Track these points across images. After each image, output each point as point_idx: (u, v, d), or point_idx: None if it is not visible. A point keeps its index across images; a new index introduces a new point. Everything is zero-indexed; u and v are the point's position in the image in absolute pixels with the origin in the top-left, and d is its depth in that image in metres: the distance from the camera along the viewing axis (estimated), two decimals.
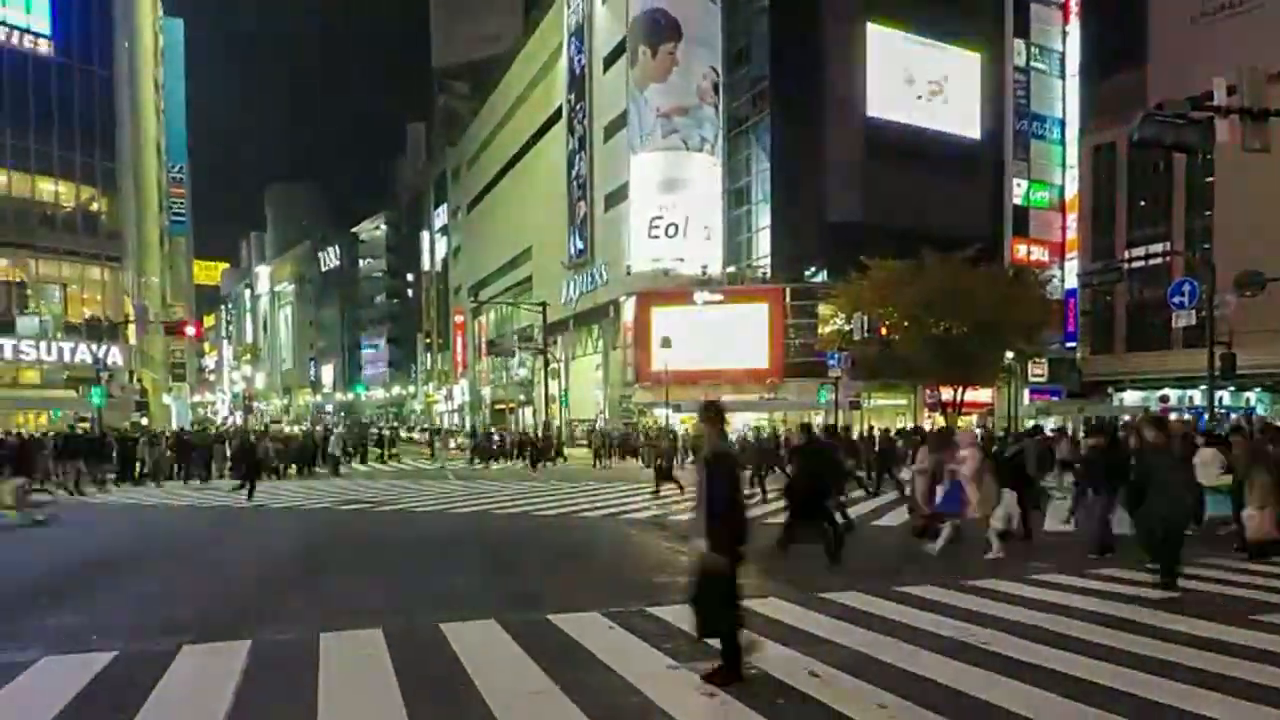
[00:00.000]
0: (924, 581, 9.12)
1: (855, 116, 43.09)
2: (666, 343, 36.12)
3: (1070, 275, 48.41)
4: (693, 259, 43.98)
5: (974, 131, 47.37)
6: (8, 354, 40.99)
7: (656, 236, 43.95)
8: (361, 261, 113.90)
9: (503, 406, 66.75)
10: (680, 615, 7.59)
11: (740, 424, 40.99)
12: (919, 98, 45.32)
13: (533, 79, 61.06)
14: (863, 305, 34.73)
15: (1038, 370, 43.30)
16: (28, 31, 41.82)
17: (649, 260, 43.92)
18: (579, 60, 51.46)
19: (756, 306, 42.18)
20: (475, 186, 75.72)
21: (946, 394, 36.87)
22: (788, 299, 42.10)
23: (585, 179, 50.92)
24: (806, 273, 42.86)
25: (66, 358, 41.91)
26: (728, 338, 41.38)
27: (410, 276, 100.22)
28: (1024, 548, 11.35)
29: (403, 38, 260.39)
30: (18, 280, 42.58)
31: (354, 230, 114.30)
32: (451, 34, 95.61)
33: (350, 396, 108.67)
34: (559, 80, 54.93)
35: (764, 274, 43.66)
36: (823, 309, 40.48)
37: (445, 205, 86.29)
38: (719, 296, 42.46)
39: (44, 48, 42.31)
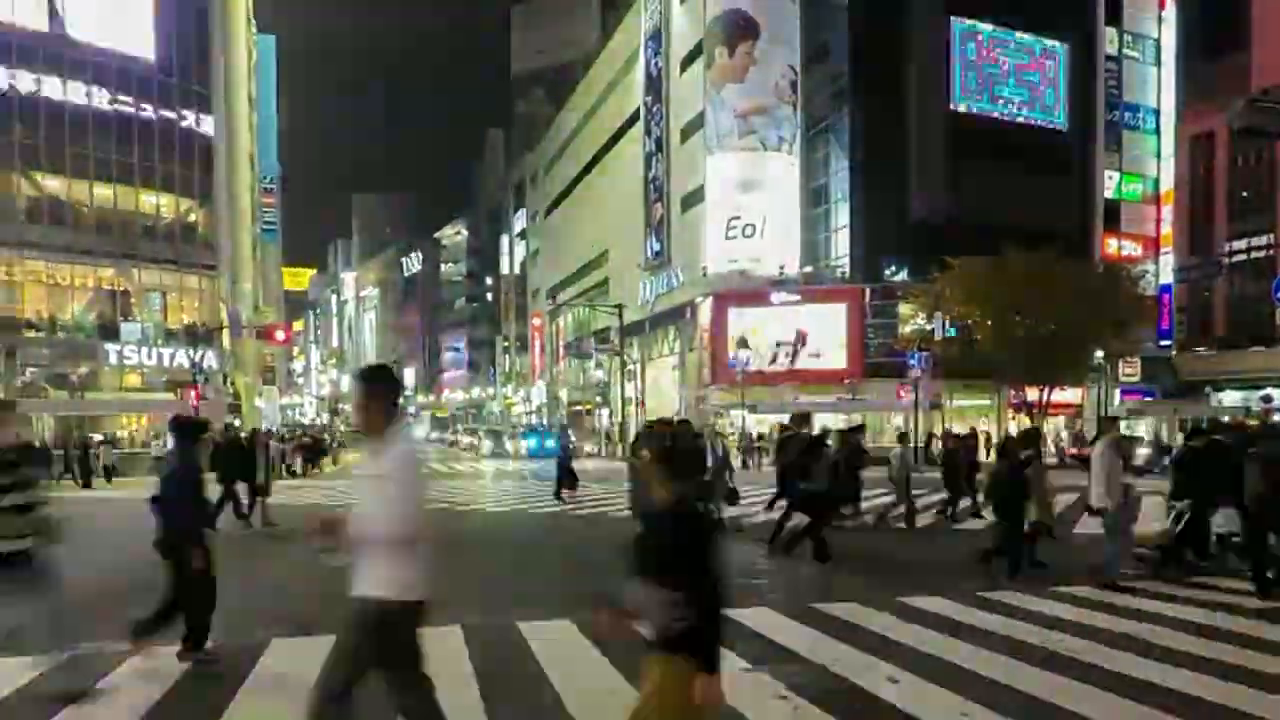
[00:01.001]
0: (1007, 587, 8.88)
1: (938, 111, 42.18)
2: (744, 343, 35.90)
3: (1165, 270, 46.42)
4: (770, 259, 43.65)
5: (1061, 123, 45.89)
6: (113, 359, 43.10)
7: (733, 237, 43.77)
8: (442, 266, 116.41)
9: (579, 408, 67.30)
10: (755, 618, 7.57)
11: (819, 425, 40.58)
12: (1004, 89, 44.14)
13: (610, 83, 61.48)
14: (944, 304, 33.91)
15: (1129, 370, 41.52)
16: (133, 54, 43.94)
17: (726, 261, 43.77)
18: (655, 63, 51.64)
19: (835, 306, 41.62)
20: (553, 191, 76.61)
21: (1032, 394, 35.74)
22: (867, 298, 41.44)
23: (662, 181, 51.04)
24: (886, 271, 42.11)
25: (166, 362, 43.87)
26: (807, 338, 40.92)
27: (489, 280, 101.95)
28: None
29: (483, 48, 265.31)
30: (122, 289, 44.76)
31: (435, 236, 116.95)
32: (530, 42, 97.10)
33: (431, 398, 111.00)
34: (635, 83, 55.22)
35: (842, 273, 43.06)
36: (903, 308, 39.70)
37: (524, 210, 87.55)
38: (796, 296, 42.04)
39: (147, 69, 44.39)
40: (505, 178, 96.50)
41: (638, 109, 54.77)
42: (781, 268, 43.53)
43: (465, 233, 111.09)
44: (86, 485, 27.67)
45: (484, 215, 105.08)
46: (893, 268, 42.06)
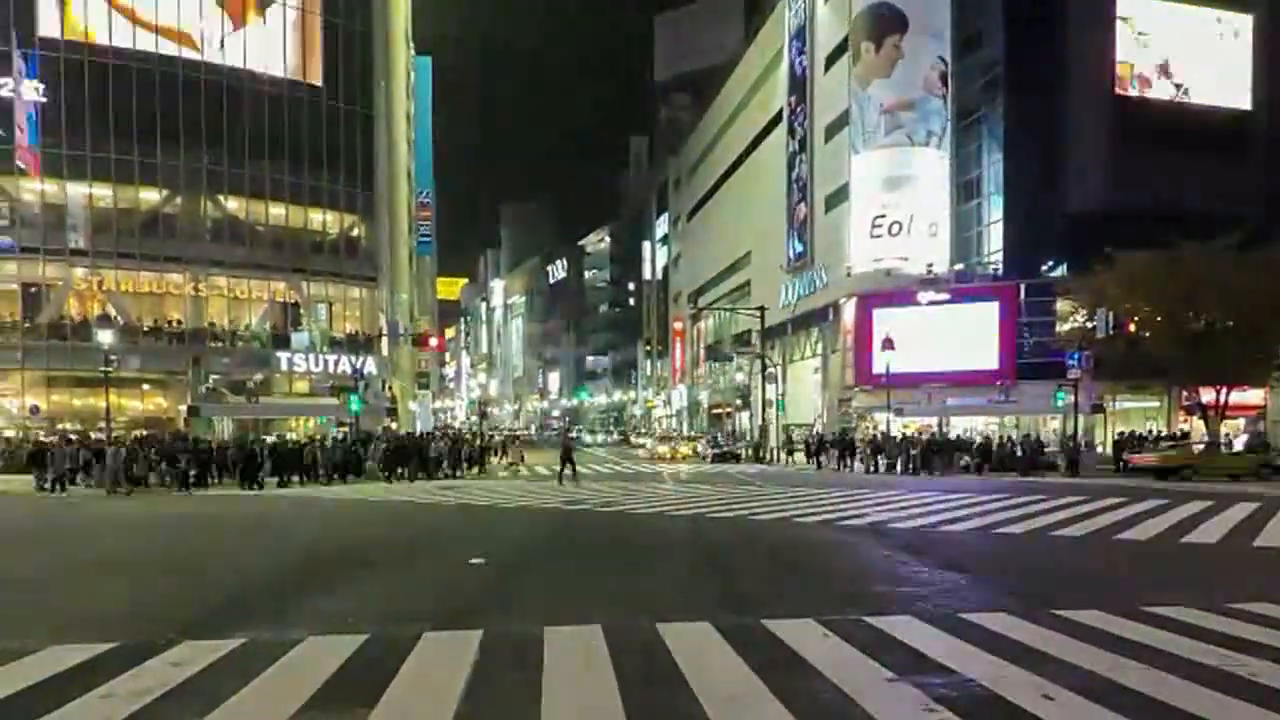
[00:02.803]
0: (1177, 602, 8.26)
1: (1102, 96, 39.72)
2: (889, 344, 34.92)
3: None
4: (917, 257, 42.29)
5: (1244, 102, 42.27)
6: (284, 366, 46.34)
7: (879, 236, 42.68)
8: (586, 273, 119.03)
9: (720, 411, 67.24)
10: (901, 627, 7.35)
11: (965, 428, 39.04)
12: (1177, 68, 41.10)
13: (753, 84, 61.33)
14: (1107, 300, 31.86)
15: None
16: (302, 82, 47.21)
17: (870, 260, 42.74)
18: (800, 62, 51.11)
19: (986, 304, 39.88)
20: (695, 194, 77.01)
21: (1207, 395, 33.03)
22: (1021, 295, 39.50)
23: (805, 181, 50.46)
24: (1043, 267, 39.99)
25: (330, 369, 46.78)
26: (955, 338, 39.42)
27: (632, 286, 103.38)
28: None
29: (626, 56, 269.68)
30: (293, 301, 48.08)
31: (580, 243, 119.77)
32: (674, 47, 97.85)
33: (575, 402, 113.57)
34: (779, 84, 54.84)
35: (995, 270, 41.19)
36: (1061, 305, 37.57)
37: (666, 214, 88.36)
38: (945, 295, 40.54)
39: (315, 94, 47.60)
40: (648, 184, 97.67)
41: (781, 109, 54.42)
42: (930, 266, 42.14)
43: (608, 239, 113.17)
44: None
45: (627, 222, 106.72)
46: (1050, 263, 39.93)
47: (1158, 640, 6.87)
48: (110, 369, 30.92)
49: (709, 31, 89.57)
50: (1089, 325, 32.69)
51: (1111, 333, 30.53)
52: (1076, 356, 31.20)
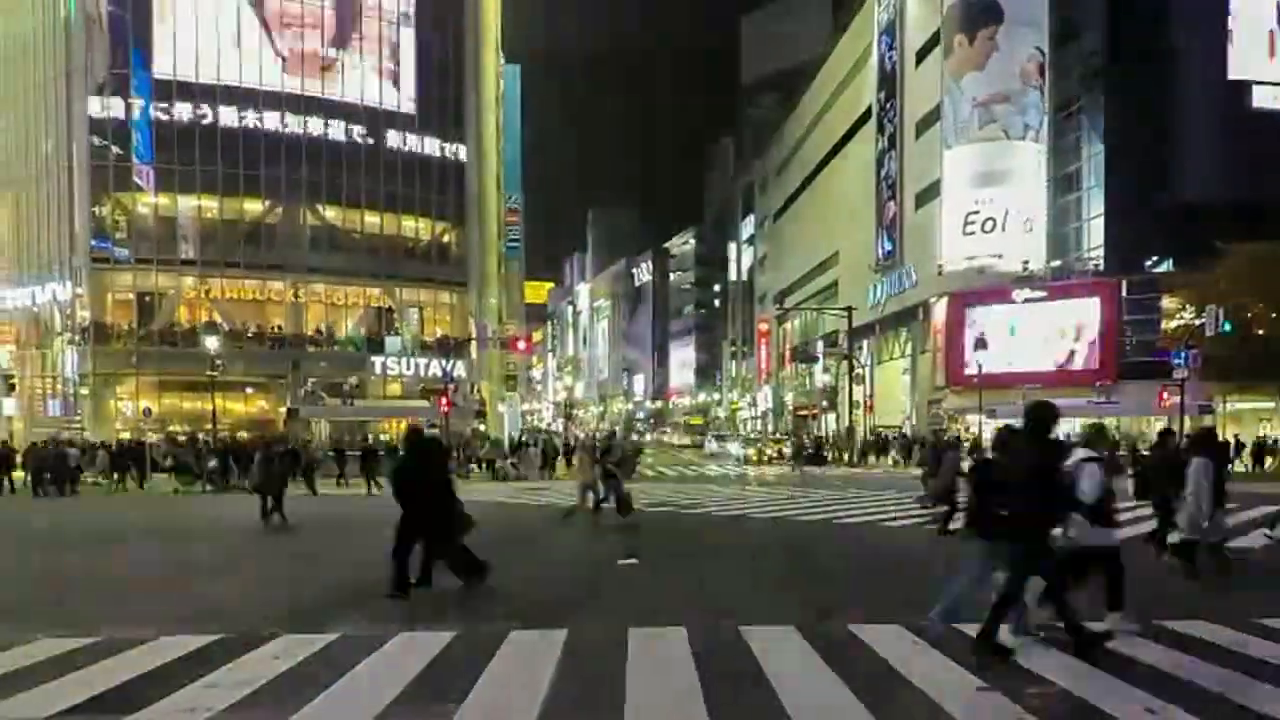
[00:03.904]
0: None
1: (1211, 82, 37.76)
2: (981, 343, 33.95)
3: None
4: (1012, 254, 41.01)
5: None
6: (378, 370, 47.81)
7: (971, 233, 41.57)
8: (671, 275, 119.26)
9: (805, 412, 66.49)
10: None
11: (1064, 431, 37.61)
12: None
13: (841, 82, 60.52)
14: (1218, 295, 30.30)
15: None
16: (396, 94, 48.68)
17: (962, 258, 41.66)
18: (890, 57, 50.21)
19: (1085, 302, 38.41)
20: (782, 195, 76.39)
21: None
22: (1123, 292, 37.90)
23: (895, 178, 49.52)
24: (1146, 262, 38.29)
25: (421, 372, 48.07)
26: (1051, 337, 38.07)
27: (717, 287, 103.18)
28: None
29: (713, 58, 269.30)
30: (386, 306, 49.57)
31: (665, 246, 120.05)
32: (760, 48, 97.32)
33: (659, 404, 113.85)
34: (868, 81, 53.98)
35: (1095, 266, 39.62)
36: (1167, 302, 35.92)
37: (752, 215, 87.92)
38: (1042, 293, 39.20)
39: (408, 106, 49.01)
40: (734, 185, 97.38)
41: (869, 106, 53.58)
42: (1025, 263, 40.84)
43: (693, 241, 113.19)
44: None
45: (712, 223, 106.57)
46: (1154, 258, 38.21)
47: (1273, 655, 6.50)
48: (216, 373, 32.40)
49: (796, 30, 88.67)
50: (1197, 322, 31.20)
51: (1223, 330, 29.00)
52: (1183, 355, 29.76)
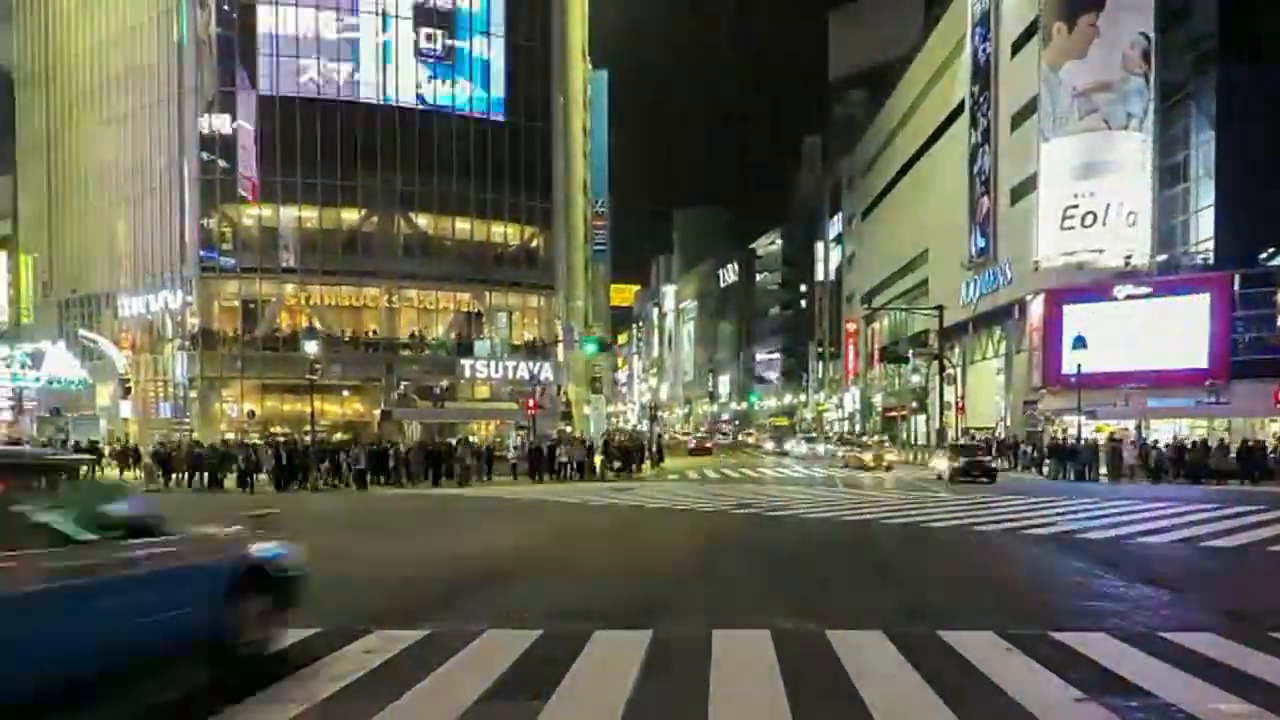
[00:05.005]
0: None
1: None
2: (1081, 342, 32.66)
3: None
4: (1114, 249, 39.35)
5: None
6: (468, 373, 48.84)
7: (1070, 227, 40.06)
8: (758, 276, 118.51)
9: (894, 414, 65.13)
10: (1093, 644, 6.87)
11: (1169, 432, 35.96)
12: None
13: (932, 76, 59.18)
14: None
15: None
16: (486, 100, 49.70)
17: (1060, 254, 40.18)
18: (984, 49, 48.81)
19: (1195, 297, 36.57)
20: (870, 193, 75.09)
21: None
22: (1235, 287, 35.96)
23: (988, 173, 48.13)
24: (1262, 255, 36.25)
25: (509, 375, 48.89)
26: (1156, 334, 36.40)
27: (803, 288, 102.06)
28: None
29: (800, 55, 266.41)
30: (475, 310, 50.62)
31: (751, 246, 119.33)
32: (848, 44, 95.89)
33: (744, 405, 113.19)
34: (960, 74, 52.61)
35: (1205, 260, 37.70)
36: None
37: (839, 214, 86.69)
38: (1146, 289, 37.49)
39: (497, 114, 49.99)
40: (821, 184, 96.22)
41: (962, 101, 52.25)
42: (1128, 258, 39.15)
43: (780, 241, 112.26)
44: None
45: (799, 223, 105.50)
46: (1271, 250, 36.15)
47: None
48: (315, 377, 33.58)
49: (885, 25, 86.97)
50: None
51: None
52: None
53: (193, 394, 46.07)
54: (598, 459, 35.35)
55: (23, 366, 40.20)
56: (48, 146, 55.39)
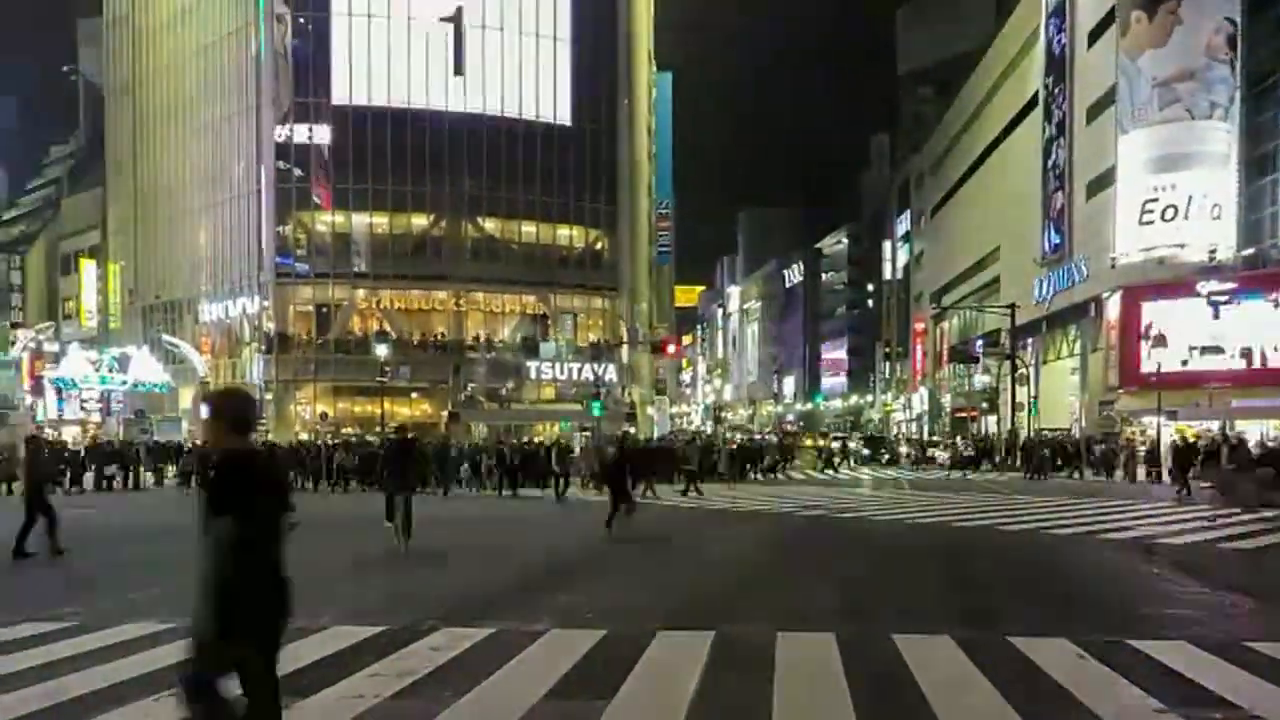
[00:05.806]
0: None
1: None
2: (1160, 340, 31.52)
3: None
4: (1196, 244, 37.89)
5: None
6: (533, 374, 49.36)
7: (1150, 222, 38.72)
8: (823, 276, 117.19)
9: (963, 415, 63.77)
10: (1173, 654, 6.64)
11: (1259, 434, 34.44)
12: None
13: (1004, 70, 57.83)
14: None
15: None
16: (552, 107, 50.22)
17: (1139, 249, 38.85)
18: (1059, 40, 47.48)
19: None
20: (939, 190, 73.65)
21: None
22: None
23: (1063, 168, 46.78)
24: None
25: (574, 376, 49.26)
26: (1242, 332, 34.93)
27: (870, 287, 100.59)
28: None
29: (867, 52, 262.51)
30: (541, 313, 51.15)
31: (817, 246, 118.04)
32: (917, 40, 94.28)
33: (809, 406, 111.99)
34: (1034, 67, 51.31)
35: None
36: None
37: (908, 213, 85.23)
38: (1231, 284, 35.99)
39: (564, 118, 50.47)
40: (889, 182, 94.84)
41: (1035, 94, 50.95)
42: (1212, 252, 37.64)
43: (846, 241, 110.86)
44: None
45: (866, 222, 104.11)
46: None
47: None
48: (385, 379, 34.38)
49: (954, 20, 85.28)
50: None
51: None
52: None
53: (268, 396, 47.50)
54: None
55: (110, 370, 42.06)
56: (134, 159, 57.84)
